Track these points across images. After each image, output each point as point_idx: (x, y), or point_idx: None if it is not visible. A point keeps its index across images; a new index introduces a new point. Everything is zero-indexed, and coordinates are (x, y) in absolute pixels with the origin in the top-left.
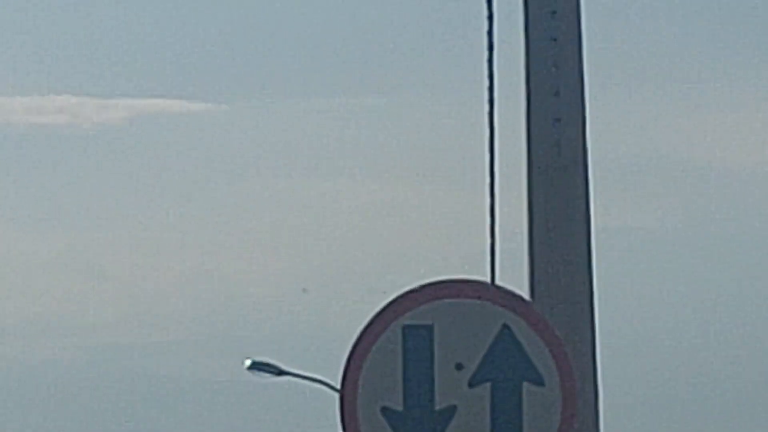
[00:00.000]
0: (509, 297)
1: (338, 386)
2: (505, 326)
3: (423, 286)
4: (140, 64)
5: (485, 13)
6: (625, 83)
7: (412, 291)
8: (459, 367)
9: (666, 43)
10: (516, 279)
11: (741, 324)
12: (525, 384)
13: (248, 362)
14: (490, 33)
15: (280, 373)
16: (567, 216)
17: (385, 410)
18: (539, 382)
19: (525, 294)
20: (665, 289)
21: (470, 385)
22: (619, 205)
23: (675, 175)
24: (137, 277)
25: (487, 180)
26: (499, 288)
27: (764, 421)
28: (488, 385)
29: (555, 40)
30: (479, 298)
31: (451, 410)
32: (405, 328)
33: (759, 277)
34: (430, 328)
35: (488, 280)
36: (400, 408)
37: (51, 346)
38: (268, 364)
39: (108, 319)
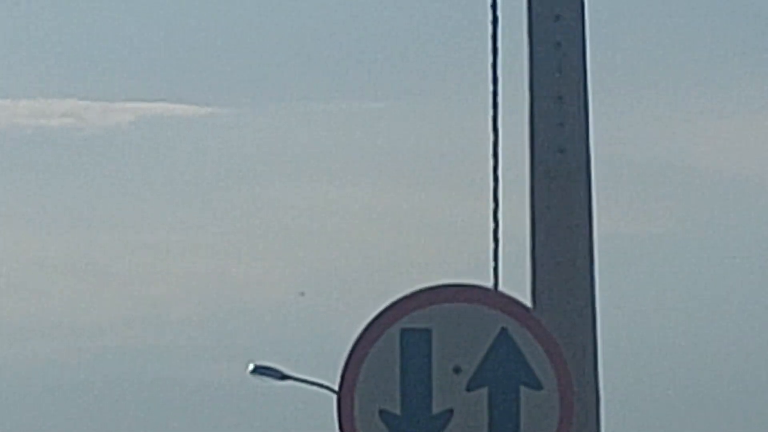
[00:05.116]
0: (507, 301)
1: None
2: (504, 330)
3: (421, 290)
4: (145, 67)
5: (489, 17)
6: (628, 88)
7: (410, 295)
8: (457, 370)
9: (670, 49)
10: (519, 284)
11: (743, 330)
12: (522, 388)
13: (251, 366)
14: (494, 37)
15: (283, 377)
16: (570, 221)
17: (382, 413)
18: (537, 386)
19: (526, 299)
20: (668, 295)
21: (468, 388)
22: (622, 211)
23: (678, 182)
24: (141, 280)
25: (491, 185)
26: (497, 293)
27: (765, 428)
28: (486, 389)
29: (558, 44)
30: (477, 302)
31: (449, 414)
32: (403, 331)
33: (761, 284)
34: (428, 332)
35: (491, 285)
36: (397, 411)
37: (54, 347)
38: (271, 369)
39: (111, 321)
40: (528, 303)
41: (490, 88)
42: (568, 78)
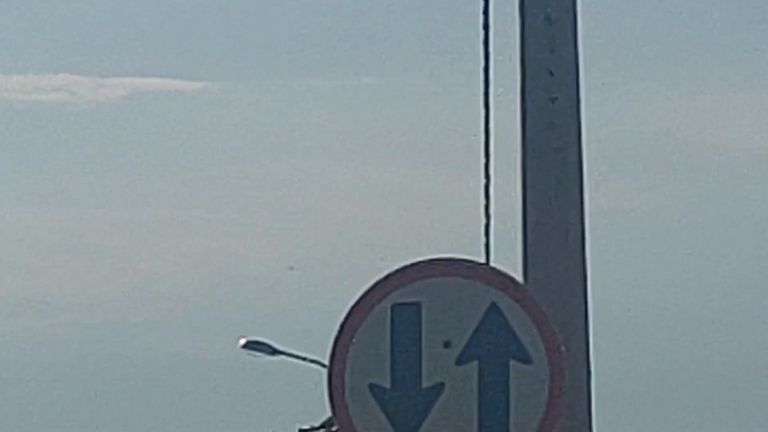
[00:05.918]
0: (498, 276)
1: None
2: (494, 305)
3: (412, 265)
4: (138, 42)
5: None
6: (620, 64)
7: (401, 269)
8: (447, 344)
9: (663, 24)
10: (510, 259)
11: (736, 307)
12: (512, 362)
13: (243, 341)
14: (485, 12)
15: (275, 352)
16: (561, 197)
17: (372, 387)
18: (526, 360)
19: (518, 275)
20: (660, 272)
21: (458, 362)
22: (614, 187)
23: (671, 158)
24: (133, 256)
25: (482, 161)
26: (487, 267)
27: (758, 405)
28: (476, 363)
29: (550, 20)
30: (468, 276)
31: (439, 388)
32: (394, 306)
33: (756, 262)
34: (418, 306)
35: (482, 260)
36: (387, 385)
37: (47, 323)
38: (262, 344)
39: (103, 297)
40: (519, 278)
41: (482, 63)
42: (560, 53)
